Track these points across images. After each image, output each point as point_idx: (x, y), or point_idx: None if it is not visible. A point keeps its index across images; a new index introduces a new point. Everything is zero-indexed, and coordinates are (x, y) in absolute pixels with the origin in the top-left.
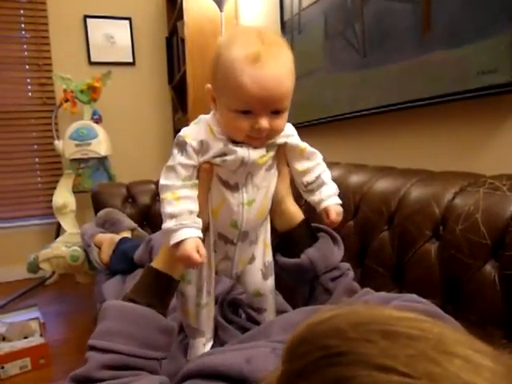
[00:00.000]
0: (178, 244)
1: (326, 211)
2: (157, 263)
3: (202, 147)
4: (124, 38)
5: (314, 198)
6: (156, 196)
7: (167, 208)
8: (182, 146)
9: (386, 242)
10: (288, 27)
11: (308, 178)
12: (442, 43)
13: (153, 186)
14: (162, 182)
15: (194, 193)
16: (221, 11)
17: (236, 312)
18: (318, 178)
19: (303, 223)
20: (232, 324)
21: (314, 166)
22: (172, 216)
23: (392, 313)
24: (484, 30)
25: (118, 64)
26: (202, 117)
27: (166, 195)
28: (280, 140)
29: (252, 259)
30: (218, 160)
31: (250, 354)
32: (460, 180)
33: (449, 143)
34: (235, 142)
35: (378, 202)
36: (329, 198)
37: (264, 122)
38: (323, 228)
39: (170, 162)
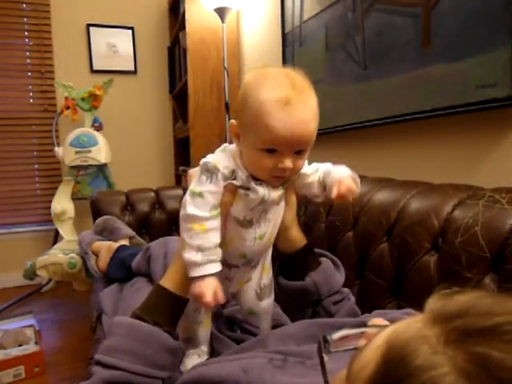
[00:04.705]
0: (200, 278)
1: (339, 182)
2: (166, 282)
3: (232, 176)
4: (126, 47)
5: (326, 187)
6: (155, 204)
7: (195, 240)
8: (213, 173)
9: (385, 254)
10: (289, 39)
11: (314, 178)
12: (441, 57)
13: (152, 195)
14: (190, 210)
15: (219, 222)
16: (223, 22)
17: (231, 328)
18: (323, 172)
19: (306, 247)
20: (227, 337)
21: (315, 172)
22: (199, 249)
23: None
24: (483, 44)
25: (120, 72)
26: (227, 146)
27: (193, 225)
28: (294, 176)
29: (248, 280)
30: (241, 192)
31: (246, 364)
32: (459, 192)
33: (448, 156)
34: (255, 179)
35: (377, 214)
36: (341, 174)
37: (288, 162)
38: (324, 253)
39: (196, 188)
